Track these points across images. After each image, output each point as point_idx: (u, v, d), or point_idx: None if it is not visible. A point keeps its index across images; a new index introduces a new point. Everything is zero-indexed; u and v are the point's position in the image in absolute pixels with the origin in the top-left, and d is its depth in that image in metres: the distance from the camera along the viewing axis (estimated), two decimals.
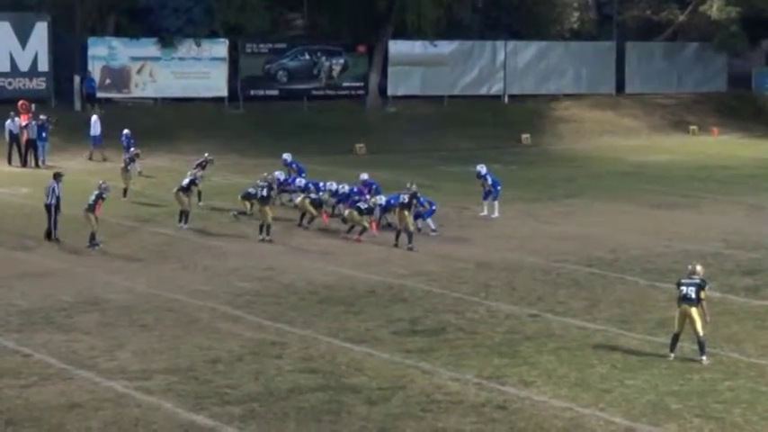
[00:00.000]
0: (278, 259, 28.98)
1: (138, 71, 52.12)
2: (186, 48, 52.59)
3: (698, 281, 20.40)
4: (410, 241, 30.19)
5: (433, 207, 32.50)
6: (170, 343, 21.38)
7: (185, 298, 24.82)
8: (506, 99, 59.17)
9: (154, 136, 47.15)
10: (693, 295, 20.25)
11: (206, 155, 38.83)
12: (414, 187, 31.18)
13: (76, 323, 22.74)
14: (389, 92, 56.73)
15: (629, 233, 32.76)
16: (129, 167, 38.09)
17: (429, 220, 32.36)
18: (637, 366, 20.20)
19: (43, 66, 49.93)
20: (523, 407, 18.11)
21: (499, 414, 17.78)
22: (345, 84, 56.43)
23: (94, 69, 51.10)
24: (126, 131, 43.58)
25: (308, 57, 55.64)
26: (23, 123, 44.85)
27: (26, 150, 44.85)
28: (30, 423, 17.25)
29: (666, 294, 23.69)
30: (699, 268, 20.69)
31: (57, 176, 31.56)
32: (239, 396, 18.44)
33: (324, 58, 55.81)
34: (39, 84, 50.04)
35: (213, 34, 52.99)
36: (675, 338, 20.58)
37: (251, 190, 32.84)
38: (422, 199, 31.61)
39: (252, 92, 54.23)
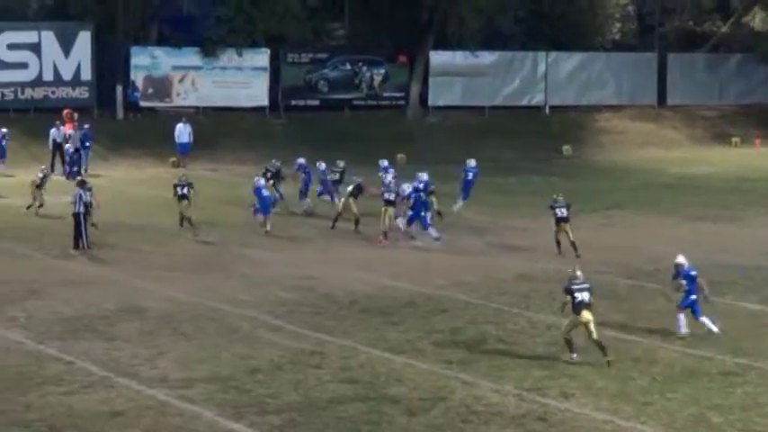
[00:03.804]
0: (318, 269, 29.03)
1: (180, 80, 52.38)
2: (228, 57, 52.75)
3: (587, 285, 20.81)
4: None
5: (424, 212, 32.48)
6: (211, 352, 21.46)
7: (226, 307, 24.91)
8: (547, 110, 59.02)
9: (195, 145, 47.35)
10: (587, 299, 20.69)
11: (273, 161, 38.65)
12: None
13: (118, 331, 22.88)
14: (430, 102, 56.74)
15: (670, 245, 32.46)
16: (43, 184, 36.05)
17: (431, 230, 32.28)
18: (677, 379, 20.09)
19: (86, 75, 50.24)
20: (564, 419, 18.06)
21: (539, 426, 17.74)
22: (386, 94, 56.46)
23: (137, 78, 51.46)
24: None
25: (349, 67, 55.74)
26: (68, 132, 45.16)
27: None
28: (72, 430, 17.37)
29: (708, 307, 23.50)
30: (579, 273, 21.02)
31: (82, 184, 31.77)
32: (279, 405, 18.49)
33: (365, 69, 55.88)
34: (82, 93, 50.34)
35: (255, 44, 53.13)
36: (571, 341, 20.98)
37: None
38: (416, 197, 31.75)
39: (293, 102, 54.34)
